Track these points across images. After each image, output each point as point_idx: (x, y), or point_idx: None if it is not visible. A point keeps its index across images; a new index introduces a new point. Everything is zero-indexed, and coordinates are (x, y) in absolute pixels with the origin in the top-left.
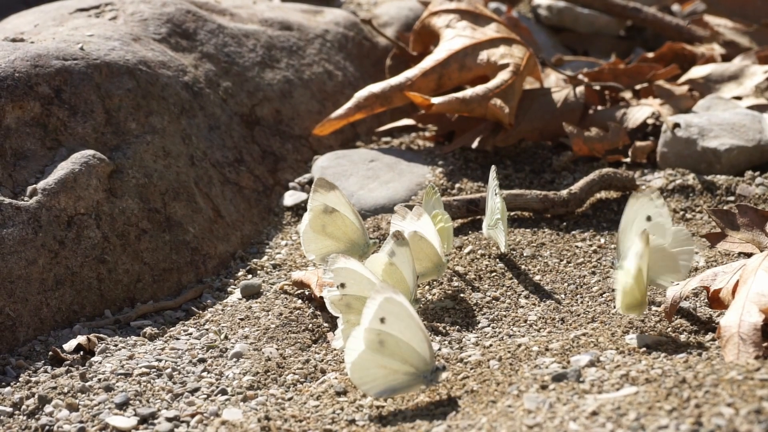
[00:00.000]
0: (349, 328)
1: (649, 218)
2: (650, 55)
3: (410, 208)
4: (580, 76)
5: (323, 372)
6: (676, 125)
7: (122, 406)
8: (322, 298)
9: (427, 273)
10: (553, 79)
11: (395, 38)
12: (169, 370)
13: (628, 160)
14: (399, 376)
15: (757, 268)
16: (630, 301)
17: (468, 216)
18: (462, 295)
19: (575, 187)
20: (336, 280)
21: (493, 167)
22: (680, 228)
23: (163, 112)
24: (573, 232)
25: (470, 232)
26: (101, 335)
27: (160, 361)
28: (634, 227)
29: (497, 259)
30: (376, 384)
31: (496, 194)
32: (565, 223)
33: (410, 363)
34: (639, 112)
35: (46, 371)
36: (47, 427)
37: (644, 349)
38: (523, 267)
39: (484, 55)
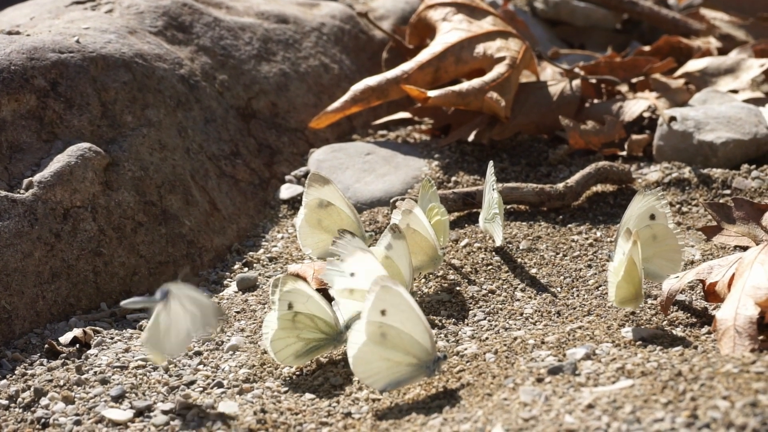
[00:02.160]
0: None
1: (653, 216)
2: (646, 48)
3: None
4: (577, 70)
5: (319, 365)
6: (672, 119)
7: (118, 398)
8: (318, 290)
9: (423, 266)
10: (549, 72)
11: (391, 31)
12: (164, 363)
13: (624, 153)
14: (402, 367)
15: (753, 262)
16: (624, 295)
17: (464, 209)
18: (458, 288)
19: (571, 180)
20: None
21: (490, 162)
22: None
23: (159, 105)
24: (569, 226)
25: (466, 225)
26: (97, 328)
27: None
28: (635, 223)
29: (493, 253)
30: (379, 377)
31: (493, 189)
32: (561, 217)
33: (413, 354)
34: (635, 106)
35: (42, 364)
36: (43, 420)
37: (640, 342)
38: (519, 260)
39: (480, 49)
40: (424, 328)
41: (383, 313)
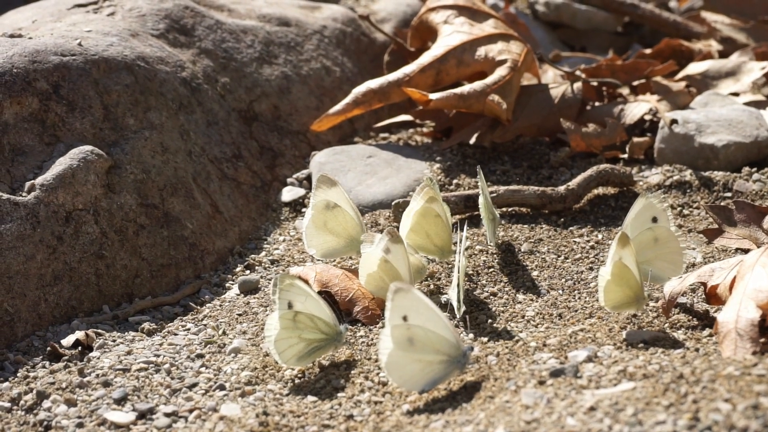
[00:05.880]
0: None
1: (655, 219)
2: (648, 51)
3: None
4: (578, 72)
5: (321, 368)
6: (674, 121)
7: (120, 401)
8: (320, 293)
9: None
10: (550, 75)
11: (393, 34)
12: (167, 366)
13: (625, 156)
14: (435, 366)
15: (755, 264)
16: (620, 299)
17: (465, 212)
18: None
19: (573, 182)
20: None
21: (478, 167)
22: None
23: (161, 108)
24: (570, 228)
25: (468, 227)
26: (99, 331)
27: (158, 356)
28: (638, 225)
29: (495, 255)
30: (415, 380)
31: (483, 193)
32: (562, 219)
33: (442, 351)
34: (636, 108)
35: (44, 367)
36: (45, 423)
37: (642, 344)
38: (520, 263)
39: (481, 51)
40: (447, 324)
41: (405, 318)
